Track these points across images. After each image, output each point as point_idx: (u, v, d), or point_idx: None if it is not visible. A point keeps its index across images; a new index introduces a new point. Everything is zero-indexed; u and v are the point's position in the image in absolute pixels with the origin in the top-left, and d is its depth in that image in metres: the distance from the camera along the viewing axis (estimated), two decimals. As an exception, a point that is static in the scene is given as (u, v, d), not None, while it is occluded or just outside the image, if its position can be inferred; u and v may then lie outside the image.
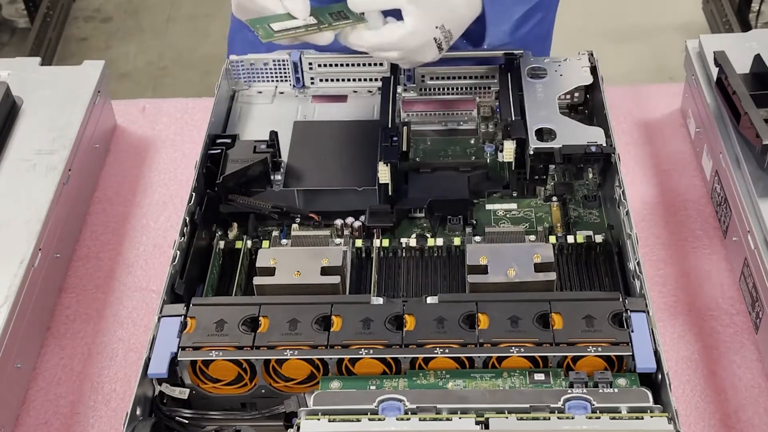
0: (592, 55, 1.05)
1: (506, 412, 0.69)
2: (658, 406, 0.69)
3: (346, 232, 0.92)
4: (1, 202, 0.95)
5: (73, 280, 1.00)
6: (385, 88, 1.03)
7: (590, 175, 0.96)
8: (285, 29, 0.88)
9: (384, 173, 0.91)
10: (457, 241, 0.90)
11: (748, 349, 0.90)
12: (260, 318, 0.77)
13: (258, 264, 0.84)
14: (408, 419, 0.68)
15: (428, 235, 0.92)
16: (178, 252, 0.84)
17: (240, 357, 0.75)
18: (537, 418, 0.68)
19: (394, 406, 0.69)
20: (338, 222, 0.93)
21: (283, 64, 1.10)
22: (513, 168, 0.96)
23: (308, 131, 1.03)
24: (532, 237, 0.87)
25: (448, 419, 0.68)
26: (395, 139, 0.94)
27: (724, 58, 1.02)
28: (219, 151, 0.96)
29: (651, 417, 0.68)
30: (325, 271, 0.82)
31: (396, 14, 0.91)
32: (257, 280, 0.83)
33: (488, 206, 0.96)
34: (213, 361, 0.75)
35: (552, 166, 0.95)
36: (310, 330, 0.76)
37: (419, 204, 0.94)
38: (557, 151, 0.93)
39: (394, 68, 1.06)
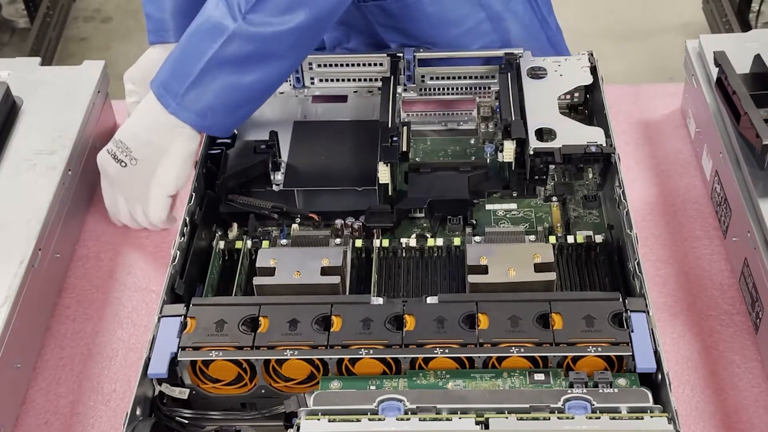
0: (592, 55, 1.05)
1: (506, 412, 0.69)
2: (658, 406, 0.69)
3: (346, 232, 0.92)
4: (1, 202, 0.95)
5: (73, 280, 1.00)
6: (385, 88, 1.03)
7: (590, 175, 0.97)
8: None
9: (384, 173, 0.91)
10: (457, 241, 0.90)
11: (748, 349, 0.90)
12: (260, 318, 0.77)
13: (258, 264, 0.84)
14: (408, 419, 0.68)
15: (428, 235, 0.92)
16: (178, 252, 0.84)
17: (240, 357, 0.75)
18: (537, 418, 0.68)
19: (394, 406, 0.69)
20: (338, 222, 0.93)
21: (283, 64, 1.09)
22: (513, 168, 0.96)
23: (308, 131, 1.03)
24: (532, 237, 0.87)
25: (448, 419, 0.68)
26: (395, 139, 0.94)
27: (724, 58, 1.02)
28: (219, 151, 0.96)
29: (651, 417, 0.68)
30: (325, 271, 0.82)
31: None
32: (257, 280, 0.83)
33: (488, 206, 0.96)
34: (213, 361, 0.75)
35: (552, 166, 0.95)
36: (310, 330, 0.76)
37: (419, 204, 0.94)
38: (557, 151, 0.93)
39: (394, 68, 1.06)
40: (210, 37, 0.89)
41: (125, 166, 0.95)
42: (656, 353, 0.74)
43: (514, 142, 0.94)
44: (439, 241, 0.90)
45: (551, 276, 0.81)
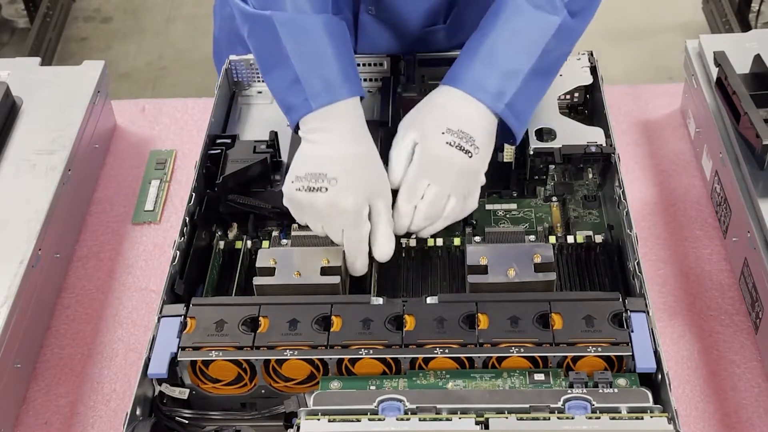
0: (592, 55, 1.05)
1: (506, 412, 0.69)
2: (658, 406, 0.69)
3: (346, 232, 0.92)
4: (1, 202, 0.95)
5: (73, 280, 1.00)
6: (385, 88, 1.03)
7: (590, 175, 0.96)
8: None
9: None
10: (457, 241, 0.90)
11: (748, 349, 0.90)
12: (260, 318, 0.77)
13: (258, 264, 0.84)
14: (408, 419, 0.68)
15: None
16: (178, 252, 0.84)
17: (240, 357, 0.75)
18: (537, 418, 0.68)
19: (394, 406, 0.69)
20: (338, 222, 0.93)
21: (283, 64, 1.09)
22: (513, 168, 0.96)
23: (308, 131, 1.03)
24: (532, 237, 0.87)
25: (448, 419, 0.68)
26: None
27: (724, 58, 1.02)
28: (219, 151, 0.96)
29: (651, 417, 0.68)
30: (325, 271, 0.82)
31: None
32: (257, 280, 0.83)
33: (488, 206, 0.96)
34: (213, 361, 0.75)
35: (552, 166, 0.95)
36: (310, 330, 0.76)
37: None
38: (557, 151, 0.93)
39: (394, 68, 1.06)
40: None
41: (471, 156, 0.84)
42: (656, 353, 0.74)
43: (514, 142, 0.94)
44: (439, 241, 0.90)
45: (551, 276, 0.81)
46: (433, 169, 0.84)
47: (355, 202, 0.81)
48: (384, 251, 0.83)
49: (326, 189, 0.81)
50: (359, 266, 0.84)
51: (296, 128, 0.87)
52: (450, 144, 0.84)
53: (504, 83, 0.86)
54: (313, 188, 0.82)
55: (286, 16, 0.85)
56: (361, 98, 0.87)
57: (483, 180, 0.87)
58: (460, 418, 0.68)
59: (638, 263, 0.81)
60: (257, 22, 0.87)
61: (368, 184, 0.83)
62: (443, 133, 0.85)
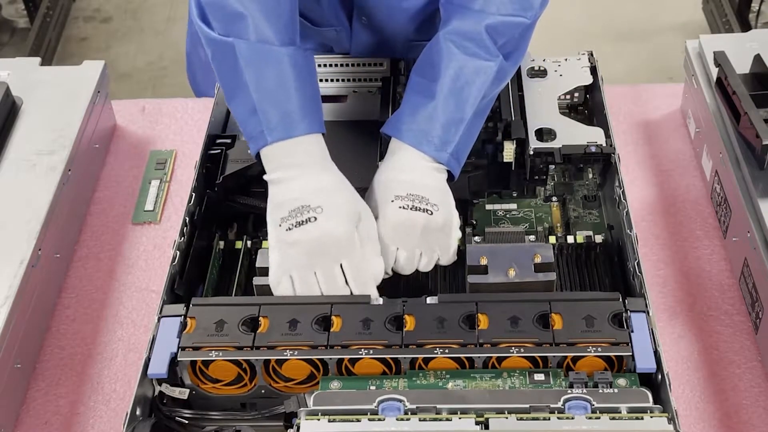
0: (592, 55, 1.05)
1: (506, 412, 0.69)
2: (658, 406, 0.69)
3: (346, 232, 0.92)
4: (1, 202, 0.95)
5: (73, 280, 1.00)
6: (385, 88, 1.03)
7: (590, 175, 0.96)
8: None
9: (384, 173, 0.91)
10: (457, 241, 0.90)
11: (748, 349, 0.90)
12: (260, 318, 0.77)
13: (258, 264, 0.84)
14: (408, 419, 0.68)
15: (428, 235, 0.92)
16: (178, 252, 0.84)
17: (240, 357, 0.75)
18: (537, 418, 0.68)
19: (394, 407, 0.69)
20: (338, 222, 0.92)
21: (283, 64, 1.09)
22: (513, 168, 0.96)
23: (308, 131, 1.03)
24: (532, 237, 0.87)
25: (448, 419, 0.68)
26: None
27: (724, 58, 1.02)
28: (219, 151, 0.96)
29: (651, 417, 0.68)
30: (325, 271, 0.82)
31: None
32: (257, 281, 0.83)
33: (488, 206, 0.96)
34: (213, 361, 0.75)
35: (552, 166, 0.95)
36: (310, 330, 0.76)
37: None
38: (557, 151, 0.93)
39: (394, 68, 1.06)
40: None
41: (431, 213, 0.84)
42: (656, 353, 0.74)
43: (514, 142, 0.94)
44: (439, 241, 0.90)
45: (551, 276, 0.81)
46: (396, 235, 0.84)
47: (346, 228, 0.80)
48: (377, 271, 0.82)
49: (315, 218, 0.80)
50: (374, 292, 0.82)
51: (257, 156, 0.85)
52: (404, 208, 0.84)
53: (447, 133, 0.86)
54: (302, 221, 0.80)
55: (248, 45, 0.83)
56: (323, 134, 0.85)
57: (458, 234, 0.86)
58: (460, 418, 0.68)
59: (638, 263, 0.81)
60: (219, 48, 0.85)
61: (351, 207, 0.82)
62: (392, 201, 0.84)
